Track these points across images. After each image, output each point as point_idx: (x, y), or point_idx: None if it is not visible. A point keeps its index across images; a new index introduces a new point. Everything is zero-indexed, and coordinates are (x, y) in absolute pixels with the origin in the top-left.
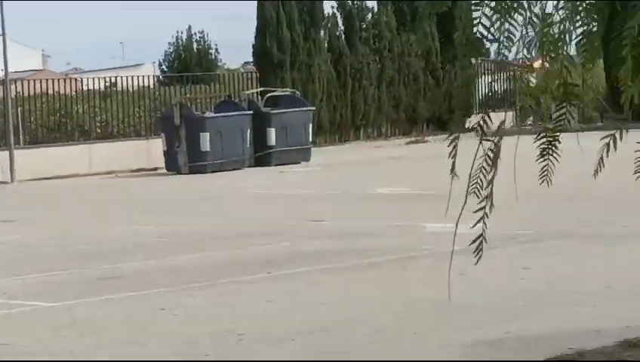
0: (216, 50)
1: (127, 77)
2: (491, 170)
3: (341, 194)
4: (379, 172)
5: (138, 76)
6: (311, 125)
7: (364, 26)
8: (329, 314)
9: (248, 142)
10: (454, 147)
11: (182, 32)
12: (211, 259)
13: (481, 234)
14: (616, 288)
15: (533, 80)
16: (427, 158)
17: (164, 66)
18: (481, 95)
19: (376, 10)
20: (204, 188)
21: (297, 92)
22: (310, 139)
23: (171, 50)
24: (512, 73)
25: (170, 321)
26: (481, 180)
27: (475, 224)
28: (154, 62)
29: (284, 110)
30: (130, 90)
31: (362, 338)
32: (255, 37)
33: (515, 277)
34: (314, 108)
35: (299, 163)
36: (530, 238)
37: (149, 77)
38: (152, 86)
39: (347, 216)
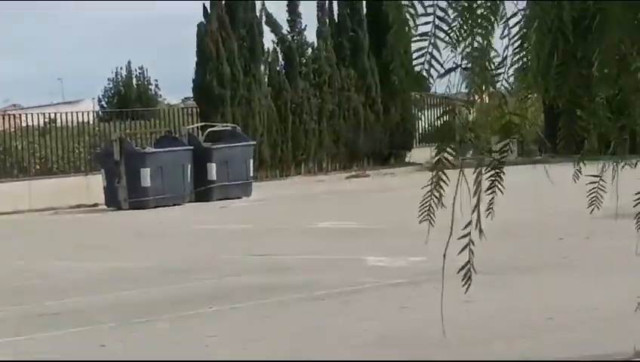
0: (157, 85)
1: (66, 113)
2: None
3: (282, 228)
4: (320, 206)
5: (77, 112)
6: (252, 160)
7: (304, 61)
8: (273, 348)
9: (189, 177)
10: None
11: (121, 68)
12: (153, 295)
13: (468, 261)
14: (558, 319)
15: (472, 115)
16: (368, 192)
17: (103, 102)
18: (422, 129)
19: (316, 45)
20: (144, 224)
21: (238, 127)
22: (251, 174)
23: (111, 85)
24: (450, 107)
25: (112, 357)
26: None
27: (461, 251)
28: (93, 98)
29: (224, 145)
30: (70, 125)
31: None
32: (195, 72)
33: (457, 309)
34: (255, 143)
35: (240, 198)
36: (480, 271)
37: (88, 113)
38: (91, 122)
39: (289, 251)
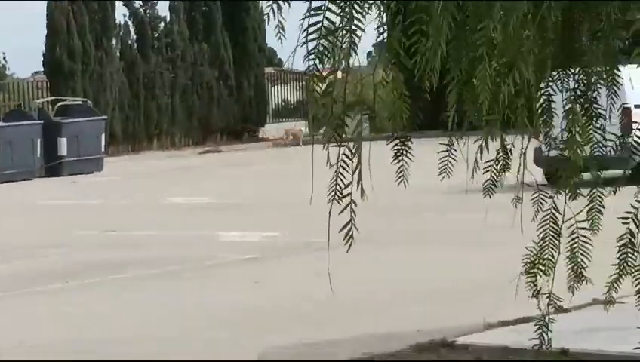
0: (4, 58)
1: None
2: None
3: (135, 204)
4: (173, 182)
5: None
6: (103, 135)
7: (156, 35)
8: (125, 323)
9: (39, 152)
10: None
11: None
12: (2, 271)
13: (350, 221)
14: (407, 292)
15: (320, 89)
16: (221, 168)
17: None
18: (275, 104)
19: (168, 19)
20: None
21: (89, 101)
22: (102, 149)
23: None
24: (304, 83)
25: None
26: (339, 186)
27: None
28: None
29: (75, 120)
30: None
31: (161, 347)
32: (45, 46)
33: (308, 283)
34: (106, 117)
35: (91, 173)
36: (323, 246)
37: None
38: None
39: (142, 226)
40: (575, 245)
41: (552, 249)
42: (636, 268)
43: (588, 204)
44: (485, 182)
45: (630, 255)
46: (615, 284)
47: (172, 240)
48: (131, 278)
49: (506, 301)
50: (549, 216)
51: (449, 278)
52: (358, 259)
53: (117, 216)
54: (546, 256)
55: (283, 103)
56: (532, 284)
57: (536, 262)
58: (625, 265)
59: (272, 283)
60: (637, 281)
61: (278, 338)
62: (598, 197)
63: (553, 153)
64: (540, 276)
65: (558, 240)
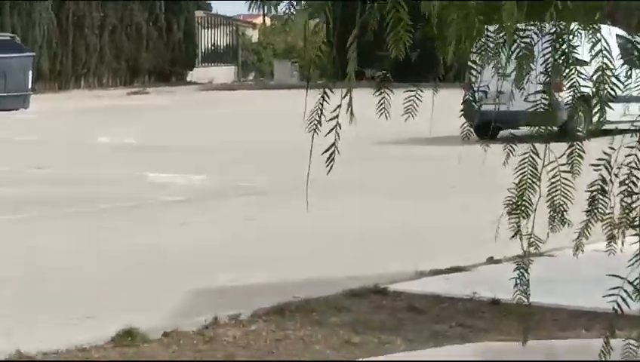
0: None
1: None
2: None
3: (62, 142)
4: (101, 121)
5: None
6: (30, 72)
7: None
8: (51, 260)
9: None
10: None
11: None
12: None
13: (334, 143)
14: (339, 239)
15: (255, 36)
16: (149, 110)
17: None
18: (204, 48)
19: None
20: None
21: (17, 37)
22: (29, 86)
23: None
24: (234, 28)
25: None
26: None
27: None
28: None
29: (1, 55)
30: None
31: (86, 287)
32: None
33: (238, 228)
34: (34, 54)
35: (17, 109)
36: (254, 191)
37: None
38: None
39: (70, 164)
40: (555, 188)
41: (531, 193)
42: (606, 216)
43: (568, 148)
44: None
45: (601, 201)
46: (586, 231)
47: (101, 179)
48: (62, 215)
49: (436, 250)
50: (527, 160)
51: (382, 227)
52: (293, 205)
53: (45, 153)
54: (525, 199)
55: (212, 47)
56: (516, 225)
57: (518, 203)
58: (596, 211)
59: (200, 226)
60: (607, 228)
61: (203, 281)
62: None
63: (485, 106)
64: (523, 218)
65: (538, 185)
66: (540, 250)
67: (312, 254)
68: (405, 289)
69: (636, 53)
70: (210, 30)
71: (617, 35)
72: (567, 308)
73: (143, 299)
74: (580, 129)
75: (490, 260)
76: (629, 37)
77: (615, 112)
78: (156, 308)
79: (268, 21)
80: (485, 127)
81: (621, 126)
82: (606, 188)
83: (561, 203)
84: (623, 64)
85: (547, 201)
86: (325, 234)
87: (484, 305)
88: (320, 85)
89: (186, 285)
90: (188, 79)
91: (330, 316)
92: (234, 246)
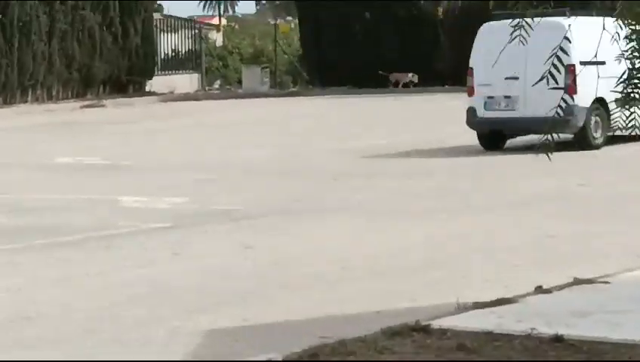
0: None
1: None
2: None
3: (14, 163)
4: (55, 139)
5: None
6: None
7: None
8: (31, 299)
9: None
10: None
11: None
12: None
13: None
14: (350, 268)
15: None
16: (107, 124)
17: None
18: (164, 55)
19: None
20: None
21: None
22: None
23: None
24: (197, 31)
25: None
26: None
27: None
28: None
29: None
30: None
31: (75, 328)
32: None
33: (237, 257)
34: None
35: None
36: (243, 215)
37: None
38: None
39: (28, 189)
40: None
41: None
42: None
43: None
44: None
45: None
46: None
47: (66, 206)
48: (26, 248)
49: (470, 278)
50: None
51: (398, 251)
52: (291, 230)
53: None
54: None
55: (173, 53)
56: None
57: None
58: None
59: (195, 255)
60: None
61: (212, 319)
62: None
63: (489, 114)
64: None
65: None
66: (590, 277)
67: (327, 284)
68: (450, 325)
69: None
70: (169, 34)
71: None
72: None
73: (145, 343)
74: (596, 136)
75: (540, 289)
76: None
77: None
78: (162, 353)
79: (224, 22)
80: (492, 135)
81: None
82: None
83: None
84: None
85: None
86: (335, 260)
87: (546, 343)
88: (294, 93)
89: (192, 325)
90: (147, 89)
91: (372, 360)
92: (238, 278)
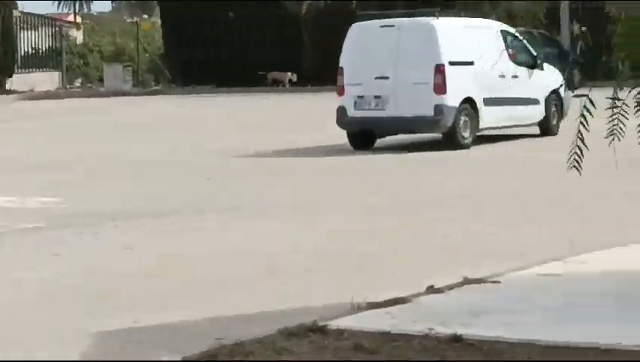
0: None
1: None
2: None
3: None
4: None
5: None
6: None
7: None
8: None
9: None
10: None
11: None
12: None
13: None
14: (243, 267)
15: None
16: None
17: None
18: (24, 52)
19: None
20: None
21: None
22: None
23: None
24: (58, 29)
25: None
26: None
27: None
28: None
29: None
30: None
31: None
32: None
33: (121, 257)
34: None
35: None
36: (120, 214)
37: None
38: None
39: None
40: None
41: None
42: None
43: None
44: None
45: None
46: None
47: None
48: None
49: (362, 277)
50: None
51: (291, 250)
52: (169, 229)
53: None
54: None
55: (33, 51)
56: None
57: None
58: None
59: (77, 256)
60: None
61: (101, 321)
62: None
63: (359, 113)
64: None
65: None
66: (479, 276)
67: (220, 284)
68: (347, 326)
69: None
70: (29, 32)
71: (503, 31)
72: (538, 344)
73: (33, 347)
74: (465, 136)
75: (432, 289)
76: (514, 32)
77: (501, 115)
78: (53, 357)
79: (79, 19)
80: (362, 135)
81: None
82: None
83: None
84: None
85: None
86: (225, 260)
87: (444, 343)
88: (157, 91)
89: (81, 327)
90: (7, 87)
91: (271, 360)
92: (124, 280)
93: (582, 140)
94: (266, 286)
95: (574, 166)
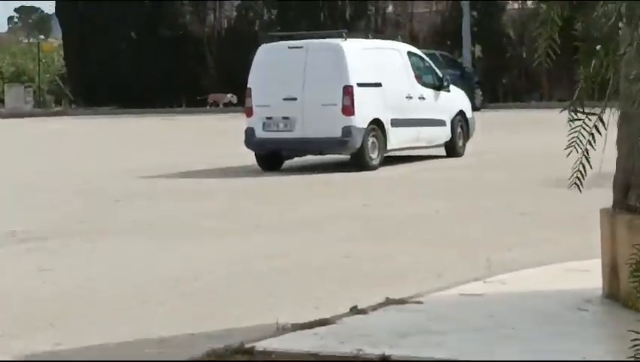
0: None
1: None
2: None
3: None
4: None
5: None
6: None
7: None
8: None
9: None
10: None
11: None
12: None
13: None
14: (155, 290)
15: None
16: None
17: None
18: None
19: None
20: None
21: None
22: None
23: None
24: None
25: None
26: None
27: None
28: None
29: None
30: None
31: None
32: None
33: (35, 279)
34: None
35: None
36: (29, 236)
37: None
38: None
39: None
40: None
41: None
42: None
43: None
44: None
45: None
46: None
47: None
48: None
49: (281, 297)
50: None
51: (197, 272)
52: (81, 251)
53: None
54: None
55: None
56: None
57: None
58: None
59: None
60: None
61: (23, 344)
62: None
63: (267, 135)
64: None
65: None
66: (401, 298)
67: (137, 306)
68: (275, 347)
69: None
70: None
71: (409, 53)
72: None
73: None
74: (373, 157)
75: (355, 310)
76: (421, 54)
77: (409, 136)
78: None
79: None
80: (270, 156)
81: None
82: None
83: None
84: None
85: None
86: (138, 283)
87: None
88: (58, 112)
89: (3, 349)
90: None
91: None
92: (41, 302)
93: (587, 159)
94: (181, 307)
95: (575, 183)
